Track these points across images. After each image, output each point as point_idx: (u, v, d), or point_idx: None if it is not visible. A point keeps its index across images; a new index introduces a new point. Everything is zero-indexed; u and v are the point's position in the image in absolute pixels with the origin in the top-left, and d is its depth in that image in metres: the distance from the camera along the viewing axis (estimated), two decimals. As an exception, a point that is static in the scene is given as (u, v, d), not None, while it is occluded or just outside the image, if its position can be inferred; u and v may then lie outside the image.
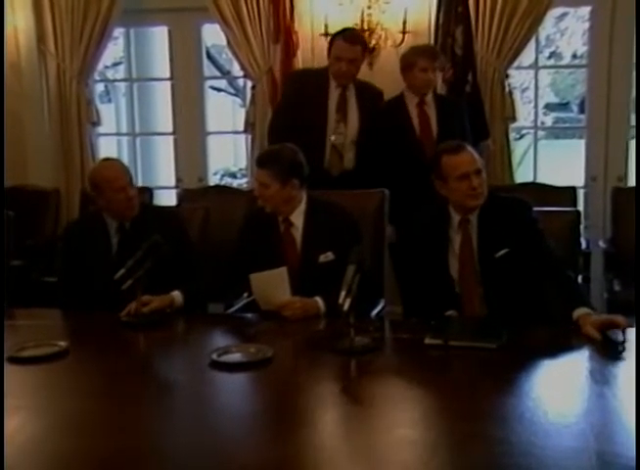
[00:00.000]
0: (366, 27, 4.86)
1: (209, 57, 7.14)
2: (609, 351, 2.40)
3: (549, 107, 12.52)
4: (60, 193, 5.29)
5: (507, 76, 4.91)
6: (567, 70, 13.08)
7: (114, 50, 7.27)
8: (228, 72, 8.70)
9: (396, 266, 3.61)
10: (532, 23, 4.76)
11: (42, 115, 5.47)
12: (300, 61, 4.99)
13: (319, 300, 2.93)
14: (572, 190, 4.72)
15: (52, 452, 1.86)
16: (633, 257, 3.98)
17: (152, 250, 2.89)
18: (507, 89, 4.91)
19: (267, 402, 2.19)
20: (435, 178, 2.96)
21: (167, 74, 5.71)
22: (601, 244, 4.62)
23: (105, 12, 5.24)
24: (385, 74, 4.80)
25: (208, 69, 6.56)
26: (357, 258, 2.53)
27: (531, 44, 4.96)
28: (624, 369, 2.32)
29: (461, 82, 4.66)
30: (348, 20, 4.86)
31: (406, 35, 4.86)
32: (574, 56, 10.96)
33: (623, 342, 2.42)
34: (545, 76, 10.57)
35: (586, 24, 5.26)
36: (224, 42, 5.31)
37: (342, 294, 2.38)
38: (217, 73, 8.71)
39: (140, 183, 5.58)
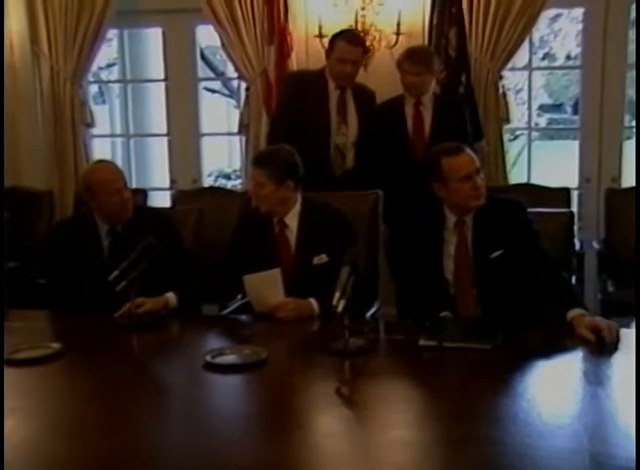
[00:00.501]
0: (360, 29, 4.84)
1: (204, 58, 7.14)
2: (603, 351, 2.40)
3: (543, 108, 12.55)
4: (53, 194, 5.25)
5: (501, 78, 4.91)
6: (560, 72, 13.08)
7: (107, 51, 7.26)
8: (222, 74, 8.69)
9: (391, 266, 3.60)
10: (526, 24, 4.76)
11: (36, 116, 5.45)
12: (295, 62, 4.99)
13: (313, 301, 2.93)
14: (566, 191, 4.72)
15: (46, 454, 1.85)
16: (627, 257, 4.00)
17: (146, 251, 2.89)
18: (501, 90, 4.91)
19: (262, 404, 2.19)
20: (434, 181, 2.94)
21: (161, 76, 5.70)
22: (595, 245, 4.63)
23: (98, 13, 5.22)
24: (379, 76, 4.81)
25: (203, 70, 6.57)
26: (351, 259, 2.53)
27: (525, 45, 4.96)
28: (618, 370, 2.33)
29: (455, 84, 4.66)
30: (343, 21, 4.85)
31: (400, 37, 4.86)
32: (568, 57, 10.98)
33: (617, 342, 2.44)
34: (539, 78, 10.60)
35: (580, 26, 5.26)
36: (218, 43, 5.30)
37: (337, 295, 2.38)
38: (211, 75, 8.73)
39: (134, 184, 5.59)
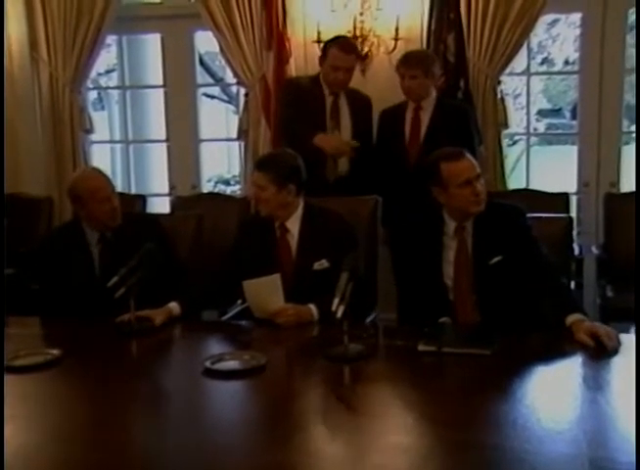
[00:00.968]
0: (358, 34, 4.86)
1: (202, 64, 7.14)
2: (602, 357, 2.40)
3: (541, 113, 12.55)
4: (52, 201, 5.25)
5: (499, 83, 4.91)
6: (559, 77, 13.11)
7: (106, 57, 7.27)
8: (221, 80, 8.70)
9: (395, 270, 3.58)
10: (524, 29, 4.76)
11: (35, 122, 5.46)
12: (293, 68, 4.99)
13: (312, 307, 2.92)
14: (565, 196, 4.72)
15: (45, 460, 1.85)
16: (626, 263, 4.00)
17: (145, 258, 2.88)
18: (499, 96, 4.91)
19: (261, 410, 2.19)
20: (433, 185, 2.94)
21: (160, 82, 5.71)
22: (594, 250, 4.63)
23: (97, 19, 5.23)
24: (377, 81, 4.82)
25: (201, 76, 6.57)
26: (352, 264, 2.53)
27: (523, 50, 4.96)
28: (617, 375, 2.33)
29: (453, 89, 4.65)
30: (341, 26, 4.86)
31: (398, 42, 4.86)
32: (566, 62, 11.01)
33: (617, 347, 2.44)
34: (537, 83, 10.63)
35: (578, 31, 5.28)
36: (217, 49, 5.31)
37: (336, 301, 2.38)
38: (210, 81, 8.72)
39: (133, 190, 5.60)
